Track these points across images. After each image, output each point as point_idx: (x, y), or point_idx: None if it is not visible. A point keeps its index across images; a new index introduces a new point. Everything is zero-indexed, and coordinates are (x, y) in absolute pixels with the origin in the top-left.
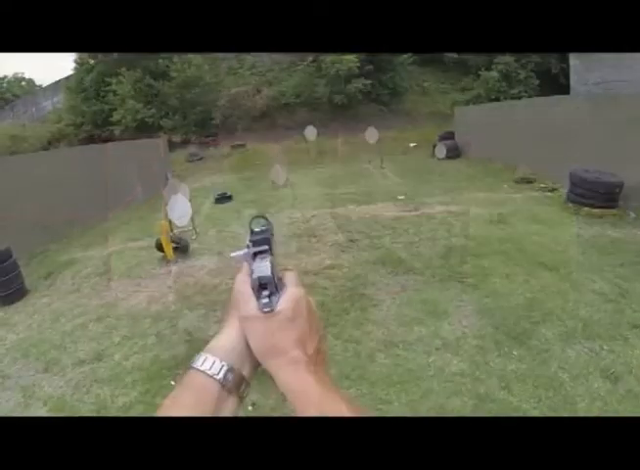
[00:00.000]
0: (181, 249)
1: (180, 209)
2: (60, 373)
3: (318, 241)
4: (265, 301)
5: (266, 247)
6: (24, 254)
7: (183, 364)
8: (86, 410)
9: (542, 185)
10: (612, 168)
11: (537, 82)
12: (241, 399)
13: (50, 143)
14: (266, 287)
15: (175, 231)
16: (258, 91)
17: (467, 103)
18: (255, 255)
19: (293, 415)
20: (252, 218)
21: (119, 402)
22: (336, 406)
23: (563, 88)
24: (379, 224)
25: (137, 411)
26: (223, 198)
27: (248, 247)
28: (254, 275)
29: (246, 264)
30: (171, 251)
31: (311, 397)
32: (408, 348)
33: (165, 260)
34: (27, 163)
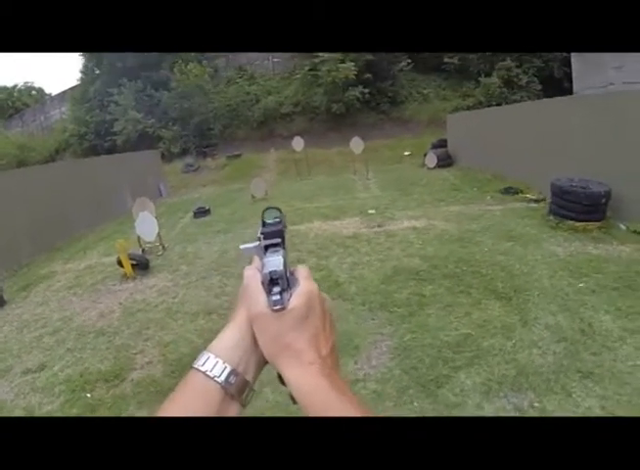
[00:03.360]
0: (140, 266)
1: (147, 225)
2: (9, 380)
3: None
4: (276, 298)
5: (278, 240)
6: (13, 264)
7: (103, 378)
8: (17, 414)
9: (528, 196)
10: (611, 177)
11: (540, 87)
12: (243, 406)
13: (57, 152)
14: (278, 283)
15: (145, 246)
16: (257, 101)
17: (468, 109)
18: (267, 248)
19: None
20: (265, 210)
21: (44, 410)
22: (351, 413)
23: (566, 92)
24: (333, 243)
25: None
26: (201, 212)
27: (259, 239)
28: (265, 270)
29: (256, 258)
30: (130, 268)
31: (326, 402)
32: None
33: (125, 277)
34: (24, 177)
